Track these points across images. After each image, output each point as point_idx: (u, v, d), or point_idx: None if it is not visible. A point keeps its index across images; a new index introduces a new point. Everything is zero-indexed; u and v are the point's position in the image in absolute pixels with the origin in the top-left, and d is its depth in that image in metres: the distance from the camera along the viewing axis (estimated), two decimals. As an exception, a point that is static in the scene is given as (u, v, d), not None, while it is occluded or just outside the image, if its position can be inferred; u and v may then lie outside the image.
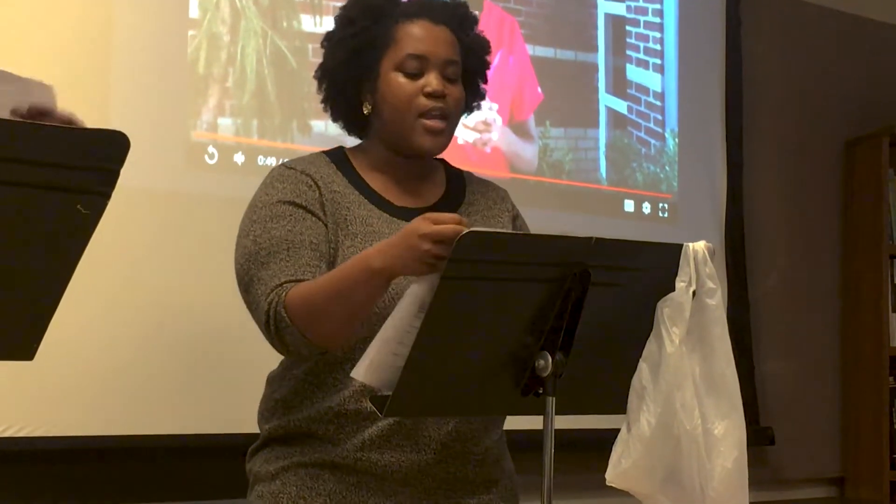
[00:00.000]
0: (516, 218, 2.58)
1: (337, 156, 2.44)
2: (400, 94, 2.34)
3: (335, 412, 2.27)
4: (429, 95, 2.34)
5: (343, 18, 2.42)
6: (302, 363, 2.30)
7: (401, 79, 2.35)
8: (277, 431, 2.34)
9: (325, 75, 2.44)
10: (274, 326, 2.16)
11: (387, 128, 2.39)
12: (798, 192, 4.67)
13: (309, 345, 2.16)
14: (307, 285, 2.17)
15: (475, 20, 2.49)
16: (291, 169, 2.36)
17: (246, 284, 2.26)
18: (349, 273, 2.09)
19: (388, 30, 2.37)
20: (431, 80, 2.34)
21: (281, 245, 2.23)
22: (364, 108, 2.40)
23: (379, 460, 2.26)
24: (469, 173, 2.60)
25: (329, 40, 2.44)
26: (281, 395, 2.34)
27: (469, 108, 2.51)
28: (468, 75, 2.46)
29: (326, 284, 2.14)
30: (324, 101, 2.47)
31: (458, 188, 2.53)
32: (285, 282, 2.19)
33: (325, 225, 2.29)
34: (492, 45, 2.54)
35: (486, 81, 2.54)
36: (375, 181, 2.41)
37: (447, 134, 2.40)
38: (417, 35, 2.36)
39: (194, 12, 3.22)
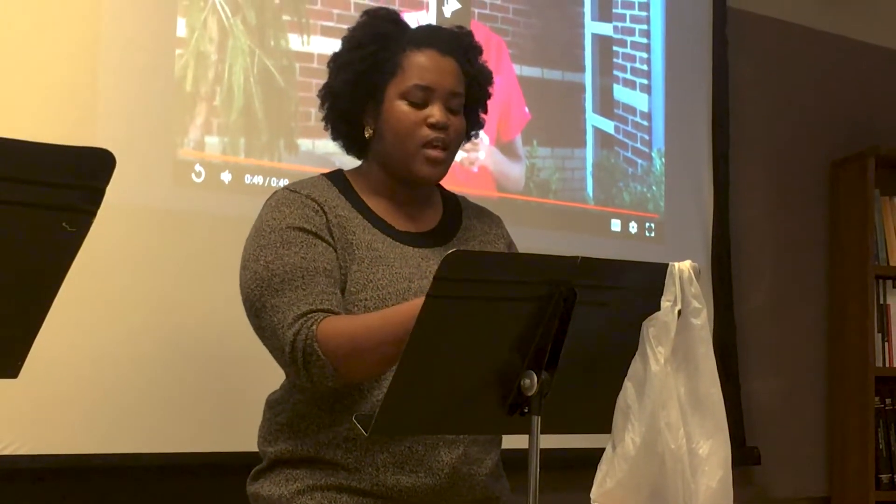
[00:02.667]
0: (510, 246, 2.60)
1: (338, 179, 2.45)
2: (404, 122, 2.35)
3: (344, 437, 2.27)
4: (432, 126, 2.35)
5: (351, 41, 2.43)
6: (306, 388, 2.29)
7: (405, 107, 2.36)
8: (284, 455, 2.33)
9: (329, 95, 2.45)
10: (302, 359, 2.16)
11: (387, 153, 2.40)
12: (784, 212, 4.69)
13: (338, 378, 2.18)
14: (346, 323, 2.19)
15: (479, 50, 2.50)
16: (296, 193, 2.36)
17: (258, 310, 2.25)
18: (403, 321, 2.02)
19: (395, 57, 2.38)
20: (435, 112, 2.36)
21: (296, 272, 2.23)
22: (365, 132, 2.42)
23: (395, 485, 2.26)
24: (464, 198, 2.63)
25: (335, 61, 2.45)
26: (286, 419, 2.34)
27: (467, 137, 2.53)
28: (469, 105, 2.47)
29: (376, 327, 2.13)
30: (325, 119, 2.48)
31: (454, 213, 2.55)
32: (308, 312, 2.19)
33: (335, 249, 2.30)
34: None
35: (486, 111, 2.55)
36: (376, 205, 2.42)
37: (447, 164, 2.42)
38: (425, 65, 2.37)
39: (182, 31, 3.23)
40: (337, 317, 2.20)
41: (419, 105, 2.36)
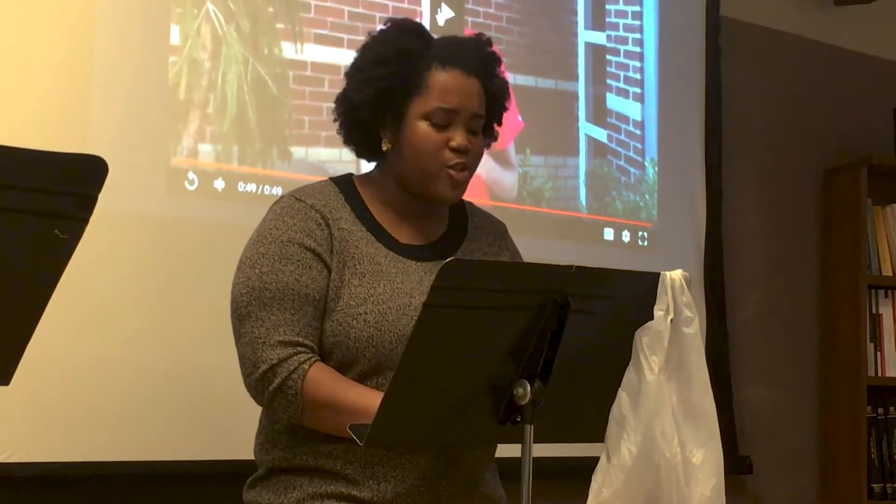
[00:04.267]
0: (514, 258, 2.61)
1: (345, 186, 2.45)
2: (426, 143, 2.34)
3: (344, 448, 2.26)
4: (453, 150, 2.34)
5: (375, 55, 2.39)
6: None
7: (427, 128, 2.34)
8: (281, 463, 2.33)
9: (346, 105, 2.42)
10: (278, 384, 2.20)
11: (406, 171, 2.39)
12: (777, 221, 4.69)
13: (295, 419, 2.24)
14: (336, 382, 2.22)
15: (499, 60, 2.48)
16: (301, 202, 2.36)
17: (241, 316, 2.27)
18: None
19: (420, 74, 2.35)
20: (457, 136, 2.34)
21: (287, 293, 2.25)
22: (383, 145, 2.40)
23: (395, 499, 2.26)
24: (471, 204, 2.61)
25: (358, 72, 2.41)
26: (283, 427, 2.33)
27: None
28: (486, 119, 2.46)
29: (358, 407, 2.14)
30: (339, 125, 2.46)
31: (460, 222, 2.54)
32: (296, 343, 2.23)
33: (330, 269, 2.30)
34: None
35: (500, 124, 2.54)
36: (382, 215, 2.42)
37: (466, 185, 2.41)
38: (450, 87, 2.35)
39: (175, 38, 3.22)
40: (329, 370, 2.24)
41: (441, 126, 2.34)
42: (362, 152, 2.48)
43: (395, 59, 2.36)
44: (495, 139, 2.56)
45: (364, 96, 2.37)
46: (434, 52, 2.38)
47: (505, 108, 2.53)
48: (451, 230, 2.51)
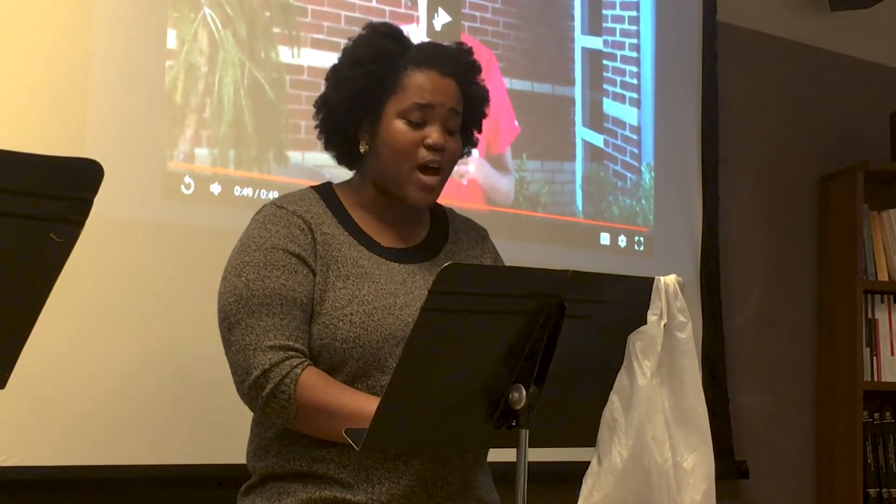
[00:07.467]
0: (496, 261, 2.61)
1: (326, 192, 2.45)
2: (401, 141, 2.35)
3: (336, 452, 2.26)
4: (428, 148, 2.35)
5: (352, 56, 2.42)
6: None
7: (402, 126, 2.36)
8: (275, 469, 2.32)
9: (325, 107, 2.45)
10: (271, 389, 2.20)
11: (382, 172, 2.40)
12: (773, 226, 4.70)
13: (288, 423, 2.24)
14: (328, 386, 2.22)
15: (479, 69, 2.50)
16: (283, 209, 2.37)
17: (230, 324, 2.27)
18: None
19: (396, 75, 2.37)
20: (433, 133, 2.35)
21: (274, 299, 2.26)
22: (360, 147, 2.41)
23: (390, 501, 2.26)
24: (451, 210, 2.63)
25: (335, 75, 2.44)
26: (275, 434, 2.33)
27: (461, 155, 2.53)
28: (465, 124, 2.47)
29: (352, 411, 2.15)
30: (318, 128, 2.47)
31: (441, 226, 2.55)
32: (286, 347, 2.23)
33: (315, 273, 2.31)
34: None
35: (480, 130, 2.55)
36: (363, 220, 2.42)
37: (439, 189, 2.42)
38: (425, 85, 2.37)
39: (172, 43, 3.23)
40: (322, 374, 2.24)
41: (417, 125, 2.36)
42: (343, 158, 2.49)
43: (371, 61, 2.38)
44: (475, 146, 2.57)
45: (340, 97, 2.40)
46: (411, 55, 2.40)
47: (484, 115, 2.54)
48: (433, 234, 2.52)
